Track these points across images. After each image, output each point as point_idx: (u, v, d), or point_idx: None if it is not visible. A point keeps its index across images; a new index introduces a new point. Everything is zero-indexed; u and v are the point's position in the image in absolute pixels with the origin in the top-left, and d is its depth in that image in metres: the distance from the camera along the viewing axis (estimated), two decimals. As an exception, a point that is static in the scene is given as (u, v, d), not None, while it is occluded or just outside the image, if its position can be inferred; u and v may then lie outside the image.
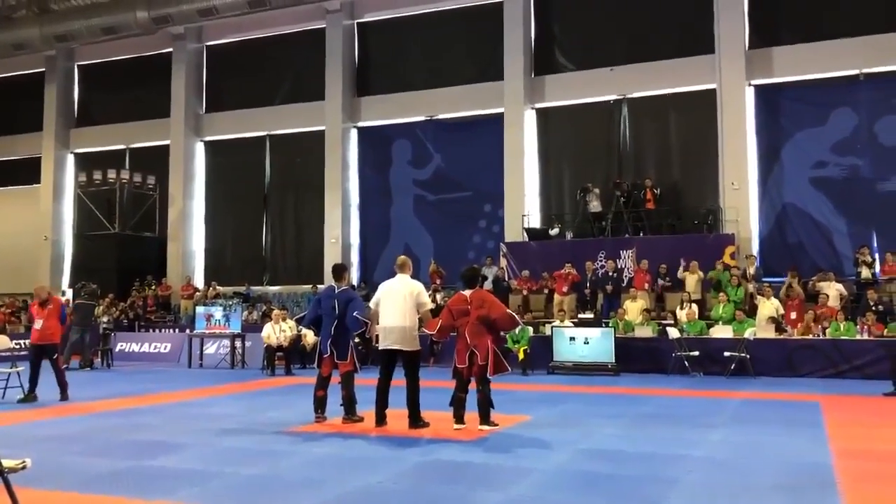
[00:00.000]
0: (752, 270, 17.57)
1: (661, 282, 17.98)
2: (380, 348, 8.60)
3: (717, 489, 5.84)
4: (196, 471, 6.49)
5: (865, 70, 18.81)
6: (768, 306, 15.79)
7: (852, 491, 5.76)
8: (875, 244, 18.15)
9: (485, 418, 8.39)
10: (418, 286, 8.69)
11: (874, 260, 17.45)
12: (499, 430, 8.31)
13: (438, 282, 19.30)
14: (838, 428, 8.63)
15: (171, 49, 25.93)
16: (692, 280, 17.39)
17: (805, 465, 6.64)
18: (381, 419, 8.52)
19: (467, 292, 8.66)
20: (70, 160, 28.22)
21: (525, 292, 18.99)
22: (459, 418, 8.45)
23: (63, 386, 11.33)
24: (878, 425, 9.16)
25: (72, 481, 6.11)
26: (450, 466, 6.70)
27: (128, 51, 26.61)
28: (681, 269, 17.63)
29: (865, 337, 14.52)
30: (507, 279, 19.35)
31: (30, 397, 11.09)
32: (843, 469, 6.47)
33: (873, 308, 15.14)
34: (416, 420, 8.42)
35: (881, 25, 18.46)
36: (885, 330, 14.54)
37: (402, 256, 9.08)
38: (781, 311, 15.77)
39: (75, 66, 28.27)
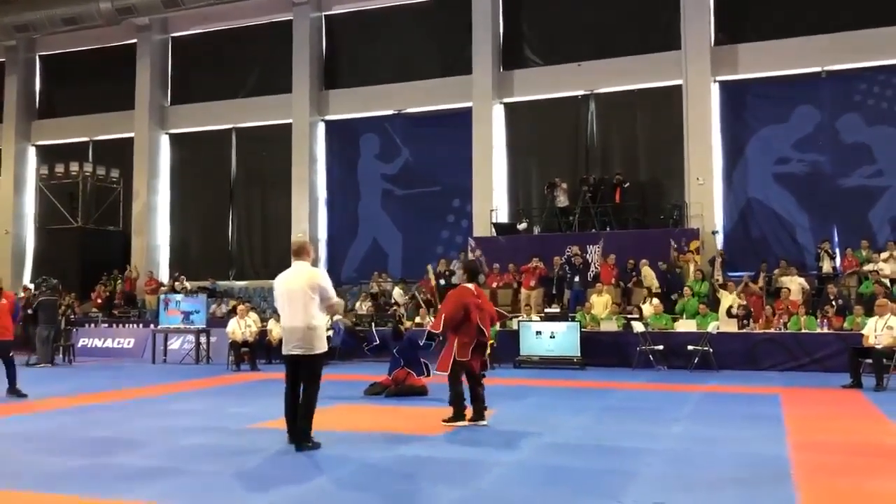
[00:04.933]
0: (719, 260, 17.79)
1: (634, 277, 18.05)
2: (283, 353, 7.29)
3: (675, 482, 5.91)
4: (155, 468, 6.40)
5: (827, 67, 19.09)
6: (730, 300, 15.98)
7: (807, 483, 5.86)
8: (836, 239, 18.49)
9: (461, 415, 8.38)
10: (319, 274, 7.31)
11: (835, 254, 17.78)
12: (464, 424, 8.32)
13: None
14: (797, 421, 8.77)
15: (135, 40, 25.51)
16: (649, 274, 17.59)
17: (762, 458, 6.74)
18: (293, 435, 7.19)
19: (471, 285, 8.67)
20: (31, 152, 27.69)
21: (496, 284, 19.00)
22: (480, 414, 8.35)
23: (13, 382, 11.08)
24: (835, 417, 9.32)
25: (27, 480, 6.00)
26: (412, 462, 6.69)
27: (91, 42, 26.17)
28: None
29: (825, 330, 14.78)
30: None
31: None
32: (799, 461, 6.57)
33: (832, 302, 15.42)
34: (305, 438, 7.05)
35: (843, 23, 18.77)
36: (844, 323, 14.80)
37: (299, 238, 7.77)
38: (742, 303, 15.97)
39: (37, 57, 27.72)
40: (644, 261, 17.79)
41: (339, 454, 6.91)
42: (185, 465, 6.49)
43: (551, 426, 8.38)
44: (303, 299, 7.10)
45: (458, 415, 8.35)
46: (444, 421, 8.34)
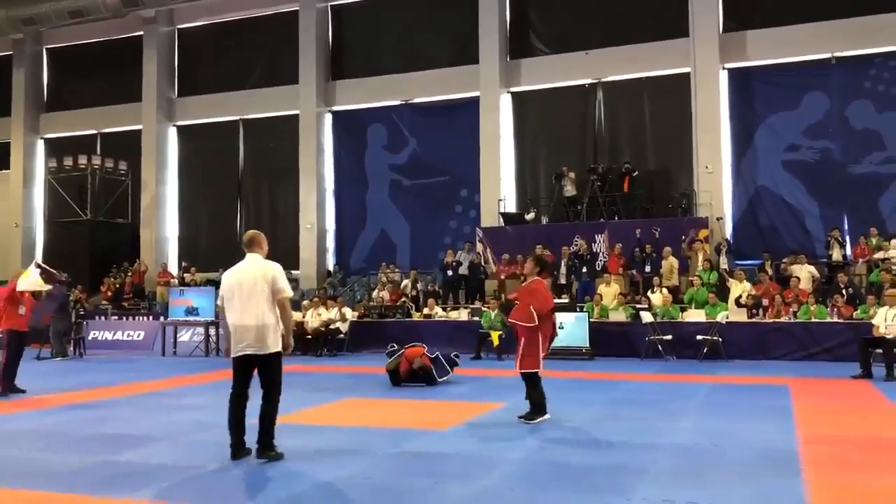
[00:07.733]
0: (724, 247, 17.68)
1: (647, 268, 17.89)
2: (232, 355, 6.60)
3: (683, 478, 5.88)
4: (164, 466, 6.44)
5: (837, 54, 18.93)
6: (740, 289, 15.91)
7: (816, 477, 5.83)
8: (846, 226, 18.39)
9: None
10: (274, 268, 6.63)
11: (845, 242, 17.68)
12: (477, 416, 8.32)
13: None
14: (806, 413, 8.73)
15: (141, 32, 25.51)
16: (667, 265, 17.47)
17: (771, 452, 6.71)
18: (239, 448, 6.60)
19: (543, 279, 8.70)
20: (40, 146, 27.80)
21: (504, 276, 18.95)
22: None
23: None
24: (844, 410, 9.27)
25: (36, 479, 6.03)
26: (422, 458, 6.70)
27: (98, 34, 26.21)
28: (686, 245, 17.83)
29: (835, 319, 14.70)
30: (483, 265, 19.33)
31: None
32: (808, 455, 6.54)
33: (843, 290, 15.32)
34: (267, 447, 6.52)
35: (853, 9, 18.60)
36: (856, 312, 14.70)
37: (253, 231, 7.04)
38: (753, 293, 15.89)
39: (44, 50, 27.79)
40: (668, 249, 17.55)
41: (349, 449, 6.92)
42: (193, 463, 6.51)
43: (560, 419, 8.34)
44: (256, 295, 6.48)
45: (543, 409, 8.24)
46: (524, 418, 8.15)
